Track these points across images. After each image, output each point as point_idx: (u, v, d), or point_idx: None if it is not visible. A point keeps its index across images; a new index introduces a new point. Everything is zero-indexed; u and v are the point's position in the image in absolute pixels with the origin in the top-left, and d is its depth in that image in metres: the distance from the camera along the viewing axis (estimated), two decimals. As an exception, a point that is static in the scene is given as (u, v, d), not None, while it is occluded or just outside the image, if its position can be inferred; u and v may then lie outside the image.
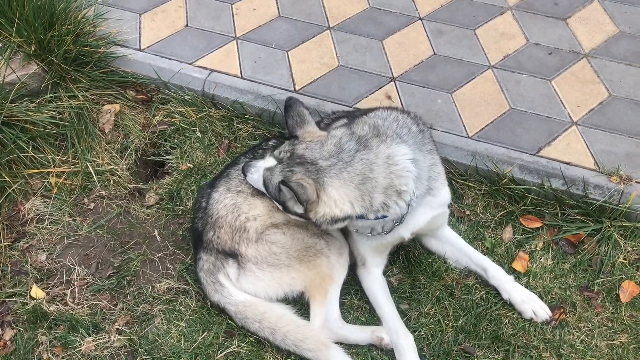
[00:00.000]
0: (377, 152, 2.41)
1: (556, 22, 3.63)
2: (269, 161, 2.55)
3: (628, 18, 3.63)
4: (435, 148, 2.68)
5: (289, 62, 3.45)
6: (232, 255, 2.70)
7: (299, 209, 2.43)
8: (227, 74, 3.41)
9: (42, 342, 2.68)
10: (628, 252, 2.81)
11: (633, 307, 2.71)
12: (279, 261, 2.68)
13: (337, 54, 3.49)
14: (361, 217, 2.44)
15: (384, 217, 2.45)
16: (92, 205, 3.16)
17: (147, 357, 2.63)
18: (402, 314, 2.69)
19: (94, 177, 3.20)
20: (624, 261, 2.80)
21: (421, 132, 2.62)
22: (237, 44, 3.57)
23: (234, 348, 2.63)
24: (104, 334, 2.70)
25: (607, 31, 3.56)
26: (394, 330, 2.60)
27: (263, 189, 2.61)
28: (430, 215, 2.63)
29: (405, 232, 2.60)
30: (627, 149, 3.01)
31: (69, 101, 3.29)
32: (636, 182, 2.87)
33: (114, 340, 2.68)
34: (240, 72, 3.42)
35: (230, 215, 2.72)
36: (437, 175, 2.62)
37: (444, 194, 2.68)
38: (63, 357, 2.64)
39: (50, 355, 2.64)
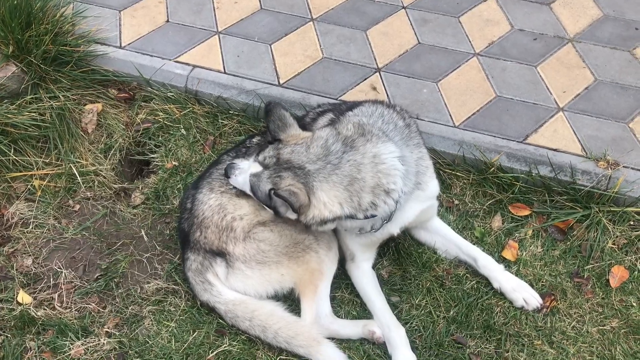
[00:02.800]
0: (363, 152, 2.39)
1: (540, 7, 3.60)
2: (254, 167, 2.51)
3: (612, 1, 3.62)
4: (422, 141, 2.66)
5: (273, 56, 3.41)
6: (220, 254, 2.67)
7: (292, 215, 2.40)
8: (210, 70, 3.37)
9: (30, 348, 2.64)
10: (617, 236, 2.81)
11: (623, 292, 2.71)
12: (268, 258, 2.66)
13: (321, 46, 3.45)
14: (350, 217, 2.42)
15: (373, 216, 2.42)
16: (77, 207, 3.12)
17: (138, 359, 2.60)
18: (393, 306, 2.69)
19: (78, 178, 3.16)
20: (613, 246, 2.80)
21: (407, 126, 2.60)
22: (219, 38, 3.52)
23: (225, 347, 2.61)
24: (93, 337, 2.67)
25: (591, 15, 3.55)
26: (385, 324, 2.60)
27: (249, 193, 2.58)
28: (419, 210, 2.61)
29: (394, 229, 2.59)
30: (613, 133, 3.00)
31: (49, 102, 3.24)
32: (623, 166, 2.87)
33: (103, 343, 2.65)
34: (223, 67, 3.37)
35: (216, 215, 2.69)
36: (425, 169, 2.61)
37: (433, 187, 2.66)
38: (52, 362, 2.62)
39: (39, 361, 2.62)
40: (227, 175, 2.66)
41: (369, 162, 2.37)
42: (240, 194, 2.68)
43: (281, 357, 2.58)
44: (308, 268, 2.67)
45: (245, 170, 2.57)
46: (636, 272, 2.74)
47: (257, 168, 2.48)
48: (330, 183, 2.35)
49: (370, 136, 2.41)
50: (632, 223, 2.83)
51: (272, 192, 2.35)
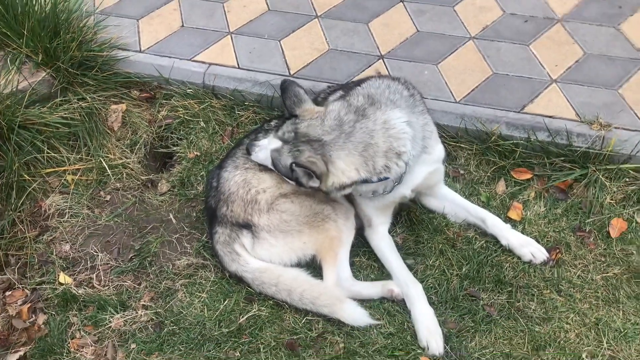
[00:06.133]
0: (374, 120, 2.60)
1: (529, -7, 3.86)
2: (274, 142, 2.72)
3: (596, -17, 3.86)
4: (426, 109, 2.88)
5: (282, 50, 3.66)
6: (246, 226, 2.88)
7: (315, 184, 2.60)
8: (225, 66, 3.61)
9: (73, 323, 2.85)
10: (614, 192, 3.00)
11: (623, 241, 2.89)
12: (290, 227, 2.86)
13: (326, 39, 3.70)
14: (365, 181, 2.62)
15: (386, 178, 2.63)
16: (109, 197, 3.34)
17: (174, 327, 2.80)
18: (409, 267, 2.86)
19: (108, 171, 3.39)
20: (611, 201, 2.99)
21: (412, 95, 2.82)
22: (231, 38, 3.78)
23: (254, 312, 2.80)
24: (131, 310, 2.87)
25: (577, -4, 3.80)
26: (403, 281, 2.78)
27: (271, 167, 2.79)
28: (427, 172, 2.82)
29: (405, 190, 2.79)
30: (604, 99, 3.21)
31: (78, 103, 3.48)
32: (615, 127, 3.07)
33: (141, 315, 2.85)
34: (237, 62, 3.62)
35: (241, 190, 2.90)
36: (430, 133, 2.82)
37: (438, 150, 2.88)
38: (95, 334, 2.80)
39: (83, 334, 2.81)
40: (248, 152, 2.88)
41: (380, 128, 2.58)
42: (263, 169, 2.90)
43: (307, 317, 2.77)
44: (328, 235, 2.86)
45: (266, 146, 2.79)
46: (634, 224, 2.93)
47: (277, 143, 2.70)
48: (346, 150, 2.56)
49: (380, 104, 2.63)
50: (627, 180, 3.02)
51: (293, 164, 2.56)
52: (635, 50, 3.44)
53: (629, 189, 2.99)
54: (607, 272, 2.80)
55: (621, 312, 2.69)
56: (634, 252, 2.85)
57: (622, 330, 2.63)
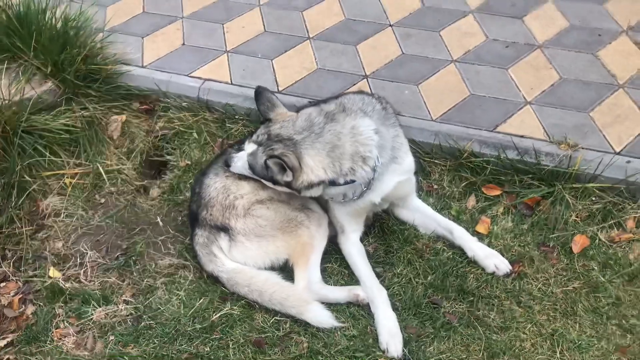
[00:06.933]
0: (343, 124, 2.78)
1: (513, 21, 4.01)
2: (250, 147, 2.92)
3: (578, 13, 4.00)
4: (398, 123, 3.05)
5: (273, 69, 3.88)
6: (224, 229, 3.05)
7: (288, 177, 2.76)
8: (219, 82, 3.84)
9: (59, 314, 3.03)
10: (579, 210, 3.09)
11: (585, 257, 2.98)
12: (265, 232, 3.03)
13: (315, 59, 3.91)
14: (333, 183, 2.78)
15: (352, 181, 2.79)
16: (103, 200, 3.56)
17: (151, 321, 2.97)
18: (377, 275, 2.99)
19: (104, 176, 3.60)
20: (577, 219, 3.08)
21: (384, 109, 2.99)
22: (227, 56, 4.02)
23: (227, 310, 2.95)
24: (112, 305, 3.05)
25: (559, 25, 3.93)
26: (369, 287, 2.91)
27: (248, 173, 2.97)
28: (396, 181, 2.96)
29: (375, 197, 2.93)
30: (575, 121, 3.33)
31: (80, 112, 3.73)
32: (582, 148, 3.18)
33: (121, 309, 3.03)
34: (230, 79, 3.85)
35: (220, 195, 3.09)
36: (400, 145, 2.98)
37: (408, 161, 3.02)
38: (77, 325, 2.99)
39: (66, 324, 2.99)
40: (227, 165, 3.07)
41: (348, 132, 2.76)
42: (242, 177, 3.08)
43: (276, 317, 2.91)
44: (300, 241, 3.02)
45: (242, 157, 2.98)
46: (597, 240, 3.02)
47: (252, 147, 2.89)
48: (315, 150, 2.73)
49: (350, 112, 2.82)
50: (593, 198, 3.12)
51: (267, 159, 2.73)
52: (610, 75, 3.56)
53: (594, 207, 3.09)
54: (567, 286, 2.89)
55: (577, 324, 2.77)
56: (595, 267, 2.94)
57: (577, 341, 2.71)
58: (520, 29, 3.94)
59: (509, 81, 3.61)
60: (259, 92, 2.95)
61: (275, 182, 2.85)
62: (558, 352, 2.67)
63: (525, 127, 3.33)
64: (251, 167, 2.91)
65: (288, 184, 2.81)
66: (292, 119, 2.85)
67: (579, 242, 3.00)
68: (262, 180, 2.97)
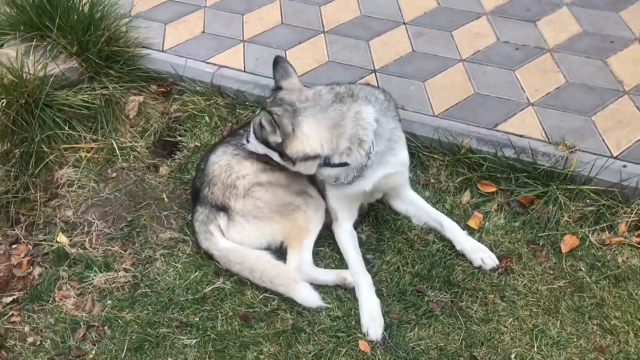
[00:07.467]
0: (349, 107, 2.90)
1: (526, 24, 4.05)
2: (258, 111, 3.02)
3: (593, 20, 4.02)
4: (399, 117, 3.14)
5: (286, 59, 3.99)
6: (223, 208, 3.17)
7: (278, 138, 2.84)
8: (233, 69, 3.99)
9: (62, 277, 3.20)
10: (572, 211, 3.11)
11: (573, 257, 3.00)
12: (263, 214, 3.13)
13: (327, 52, 4.02)
14: (327, 161, 2.88)
15: (347, 163, 2.89)
16: (114, 174, 3.73)
17: (147, 290, 3.11)
18: (367, 261, 3.07)
19: (117, 152, 3.77)
20: (569, 219, 3.10)
21: (387, 101, 3.08)
22: (243, 45, 4.16)
23: (219, 284, 3.07)
24: (113, 272, 3.20)
25: (572, 30, 3.95)
26: (356, 271, 2.99)
27: (258, 147, 3.05)
28: (388, 172, 3.03)
29: (366, 185, 3.01)
30: (576, 124, 3.35)
31: (100, 90, 3.92)
32: (580, 150, 3.20)
33: (121, 276, 3.18)
34: (244, 66, 3.99)
35: (223, 173, 3.21)
36: (397, 138, 3.06)
37: (403, 155, 3.10)
38: (78, 288, 3.15)
39: (68, 287, 3.16)
40: (247, 140, 3.15)
41: (352, 115, 2.87)
42: (247, 156, 3.18)
43: (265, 294, 3.02)
44: (296, 224, 3.11)
45: None
46: (587, 242, 3.03)
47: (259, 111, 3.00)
48: (317, 120, 2.84)
49: (357, 98, 2.93)
50: (588, 201, 3.13)
51: (262, 118, 2.81)
52: (617, 81, 3.57)
53: (587, 210, 3.10)
54: (553, 284, 2.92)
55: (559, 321, 2.79)
56: (583, 268, 2.95)
57: (556, 338, 2.73)
58: (532, 33, 3.97)
59: (515, 82, 3.65)
60: (278, 61, 3.09)
61: (268, 145, 2.93)
62: (536, 347, 2.70)
63: (525, 127, 3.37)
64: (253, 130, 3.00)
65: (281, 151, 2.89)
66: (302, 90, 2.98)
67: (568, 242, 3.02)
68: (259, 147, 3.01)
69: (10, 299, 3.13)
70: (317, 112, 2.86)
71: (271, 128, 2.85)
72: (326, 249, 3.21)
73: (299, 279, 2.98)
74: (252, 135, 3.08)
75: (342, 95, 2.93)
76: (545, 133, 3.32)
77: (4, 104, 3.54)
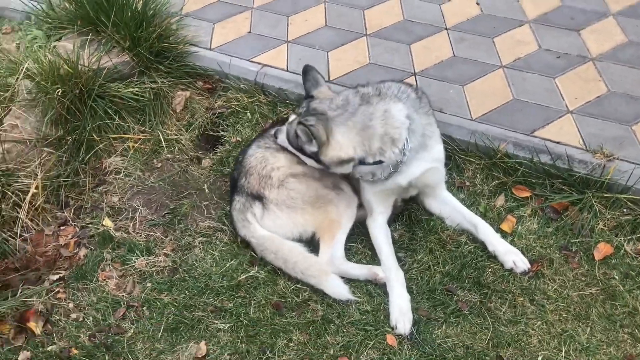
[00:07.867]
0: (376, 107, 2.97)
1: (569, 33, 4.05)
2: (291, 118, 3.16)
3: (639, 30, 3.98)
4: (432, 112, 3.19)
5: (328, 60, 4.10)
6: (259, 198, 3.29)
7: (314, 147, 2.96)
8: (276, 68, 4.11)
9: (106, 259, 3.36)
10: (608, 219, 3.11)
11: (607, 266, 2.99)
12: (296, 204, 3.23)
13: (369, 54, 4.10)
14: (362, 161, 2.96)
15: (381, 162, 2.96)
16: (159, 164, 3.88)
17: (185, 275, 3.24)
18: (399, 259, 3.13)
19: (163, 143, 3.93)
20: (604, 227, 3.10)
21: (419, 98, 3.14)
22: (287, 46, 4.28)
23: (254, 273, 3.18)
24: (154, 256, 3.35)
25: (616, 40, 3.93)
26: (388, 266, 3.05)
27: (287, 144, 3.20)
28: (424, 168, 3.09)
29: (402, 180, 3.07)
30: (615, 133, 3.34)
31: (149, 84, 4.09)
32: (617, 158, 3.19)
33: (161, 261, 3.32)
34: (287, 66, 4.11)
35: (259, 165, 3.33)
36: (431, 133, 3.12)
37: (438, 150, 3.15)
38: (120, 270, 3.30)
39: (111, 268, 3.32)
40: (275, 136, 3.32)
41: (380, 115, 2.93)
42: (281, 149, 3.31)
43: (297, 285, 3.11)
44: (328, 217, 3.20)
45: (284, 129, 3.22)
46: (622, 251, 3.01)
47: (292, 118, 3.14)
48: (347, 127, 2.92)
49: (385, 97, 3.00)
50: (625, 210, 3.12)
51: (298, 128, 2.94)
52: (661, 93, 3.54)
53: (623, 219, 3.09)
54: (584, 291, 2.92)
55: (589, 328, 2.80)
56: (616, 277, 2.94)
57: (585, 344, 2.74)
58: (575, 41, 3.97)
59: (554, 90, 3.65)
60: (307, 70, 3.20)
61: (303, 153, 3.04)
62: (564, 351, 2.71)
63: (562, 134, 3.37)
64: (287, 136, 3.13)
65: (316, 157, 3.00)
66: (331, 98, 3.06)
67: (602, 250, 3.01)
68: (294, 152, 3.16)
69: (57, 276, 3.31)
70: (347, 118, 2.94)
71: (307, 138, 2.96)
72: (358, 244, 3.29)
73: (329, 272, 3.06)
74: (284, 134, 3.19)
75: (368, 96, 3.00)
76: (583, 141, 3.32)
77: (59, 93, 3.74)
